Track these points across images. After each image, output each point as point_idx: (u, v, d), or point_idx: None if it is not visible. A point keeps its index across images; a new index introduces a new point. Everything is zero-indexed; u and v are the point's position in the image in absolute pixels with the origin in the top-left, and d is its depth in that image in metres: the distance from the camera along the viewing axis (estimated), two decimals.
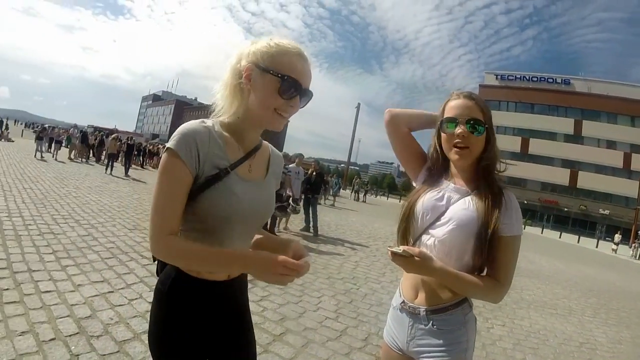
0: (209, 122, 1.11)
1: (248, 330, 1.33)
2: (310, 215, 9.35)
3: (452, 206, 1.32)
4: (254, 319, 3.45)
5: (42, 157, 17.27)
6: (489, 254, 1.26)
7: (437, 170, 1.45)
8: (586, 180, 49.44)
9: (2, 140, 23.68)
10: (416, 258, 1.21)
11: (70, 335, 2.75)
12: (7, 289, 3.32)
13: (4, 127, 28.37)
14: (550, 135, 51.76)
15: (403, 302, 1.41)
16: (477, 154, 1.33)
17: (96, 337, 2.79)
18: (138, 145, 24.34)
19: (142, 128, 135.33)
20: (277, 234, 8.14)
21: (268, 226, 7.97)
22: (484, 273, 1.33)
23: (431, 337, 1.32)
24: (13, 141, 24.81)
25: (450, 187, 1.37)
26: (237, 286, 1.24)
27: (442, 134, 1.36)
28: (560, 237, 29.17)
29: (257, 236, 1.30)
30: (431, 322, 1.31)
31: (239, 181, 1.11)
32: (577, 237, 28.97)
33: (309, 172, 9.86)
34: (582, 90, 50.81)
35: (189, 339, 1.13)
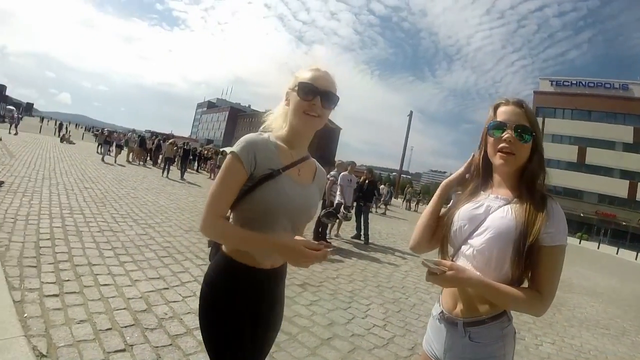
0: (265, 134, 1.40)
1: (281, 313, 1.53)
2: (362, 223, 9.32)
3: (491, 215, 1.30)
4: (303, 322, 3.59)
5: (104, 160, 17.87)
6: (531, 264, 1.23)
7: (478, 180, 1.44)
8: None
9: (65, 142, 25.13)
10: (449, 272, 1.20)
11: (125, 327, 2.88)
12: (67, 280, 3.52)
13: (64, 130, 30.24)
14: (609, 145, 48.59)
15: (442, 312, 1.39)
16: (522, 161, 1.31)
17: (150, 329, 2.91)
18: (193, 150, 25.05)
19: (196, 134, 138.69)
20: (328, 240, 8.19)
21: (319, 232, 8.10)
22: (526, 285, 1.29)
23: (467, 349, 1.29)
24: (74, 143, 26.33)
25: (490, 197, 1.35)
26: (278, 275, 1.43)
27: (489, 138, 1.35)
28: (617, 253, 27.41)
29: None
30: (468, 334, 1.29)
31: (288, 181, 1.34)
32: (635, 253, 27.15)
33: (361, 180, 9.83)
34: None
35: (233, 319, 1.33)
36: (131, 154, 20.96)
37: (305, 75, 1.37)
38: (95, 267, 3.99)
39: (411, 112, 47.66)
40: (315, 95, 1.34)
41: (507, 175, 1.34)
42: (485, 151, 1.38)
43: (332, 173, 8.65)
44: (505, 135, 1.28)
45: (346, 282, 5.36)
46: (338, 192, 8.39)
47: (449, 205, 1.48)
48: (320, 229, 8.19)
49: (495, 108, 1.37)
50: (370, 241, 9.16)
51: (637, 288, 11.06)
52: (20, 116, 31.36)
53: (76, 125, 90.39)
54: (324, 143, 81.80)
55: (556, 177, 50.22)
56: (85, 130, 50.24)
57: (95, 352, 2.50)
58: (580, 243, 31.96)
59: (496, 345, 1.27)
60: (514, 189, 1.33)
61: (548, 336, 4.77)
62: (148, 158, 22.49)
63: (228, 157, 1.30)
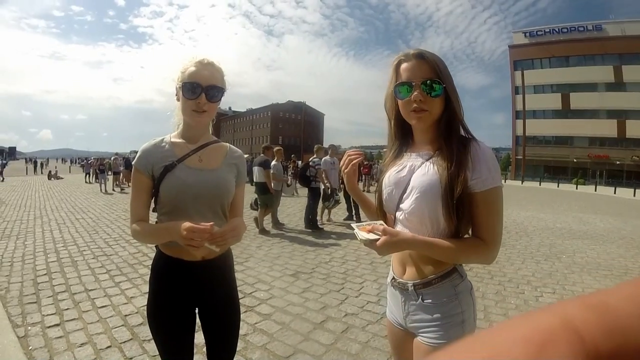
0: (159, 138, 1.55)
1: (230, 302, 1.63)
2: (352, 203, 9.44)
3: (414, 174, 1.27)
4: (296, 310, 3.73)
5: (105, 190, 17.47)
6: (467, 213, 1.20)
7: (398, 142, 1.41)
8: (635, 129, 46.18)
9: (52, 179, 25.16)
10: (382, 237, 1.18)
11: (124, 342, 3.05)
12: (67, 309, 3.68)
13: (42, 167, 30.30)
14: (591, 87, 48.32)
15: (393, 278, 1.38)
16: (437, 114, 1.25)
17: (147, 341, 3.05)
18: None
19: None
20: (320, 226, 8.43)
21: (310, 219, 8.27)
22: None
23: (423, 312, 1.28)
24: (62, 178, 26.35)
25: (412, 156, 1.33)
26: (214, 266, 1.53)
27: (399, 101, 1.29)
28: (615, 193, 27.48)
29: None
30: (420, 296, 1.27)
31: (186, 169, 1.47)
32: (632, 190, 27.24)
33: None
34: (616, 33, 47.15)
35: (171, 307, 1.49)
36: (116, 181, 20.19)
37: (188, 71, 1.45)
38: (91, 292, 4.14)
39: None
40: (200, 93, 1.43)
41: (424, 131, 1.31)
42: (398, 111, 1.33)
43: (313, 159, 8.77)
44: (414, 93, 1.22)
45: (339, 265, 5.47)
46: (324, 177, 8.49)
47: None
48: (310, 217, 8.34)
49: (397, 66, 1.30)
50: (362, 220, 9.21)
51: (637, 225, 11.12)
52: (5, 162, 31.34)
53: (62, 160, 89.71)
54: (309, 131, 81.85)
55: (544, 127, 50.67)
56: (70, 162, 50.08)
57: None
58: (577, 188, 32.29)
59: (451, 304, 1.24)
60: (433, 143, 1.29)
61: (548, 286, 4.79)
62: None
63: (132, 169, 1.49)
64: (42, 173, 33.81)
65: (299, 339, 3.20)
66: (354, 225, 1.28)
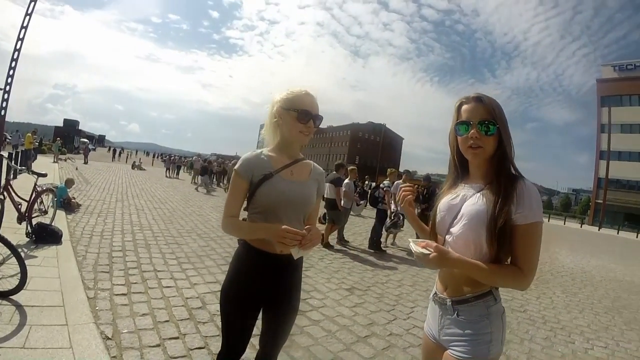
0: (259, 150, 1.78)
1: (290, 305, 1.80)
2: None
3: (465, 203, 1.44)
4: (344, 321, 3.85)
5: (203, 189, 18.50)
6: (508, 244, 1.32)
7: (456, 174, 1.57)
8: None
9: (136, 169, 27.22)
10: (433, 253, 1.31)
11: (181, 320, 3.28)
12: (135, 283, 4.03)
13: (129, 156, 32.70)
14: None
15: (435, 293, 1.54)
16: (490, 152, 1.41)
17: (202, 323, 3.27)
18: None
19: None
20: (383, 248, 8.42)
21: (374, 240, 8.30)
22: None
23: (457, 327, 1.41)
24: (145, 170, 28.46)
25: (466, 187, 1.49)
26: (289, 264, 1.70)
27: (458, 138, 1.47)
28: None
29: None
30: (456, 312, 1.41)
31: (281, 180, 1.69)
32: None
33: (420, 188, 9.70)
34: None
35: (247, 291, 1.70)
36: (197, 176, 21.72)
37: (300, 100, 1.70)
38: (159, 273, 4.48)
39: None
40: (310, 119, 1.69)
41: (478, 165, 1.47)
42: (458, 146, 1.49)
43: (385, 183, 8.78)
44: (471, 132, 1.39)
45: (394, 287, 5.46)
46: (392, 202, 8.42)
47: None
48: (374, 238, 8.34)
49: (459, 108, 1.48)
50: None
51: None
52: (93, 148, 34.32)
53: (146, 152, 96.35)
54: (386, 153, 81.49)
55: (629, 170, 46.27)
56: (154, 157, 53.93)
57: (153, 337, 2.90)
58: None
59: (482, 323, 1.37)
60: (486, 177, 1.44)
61: (601, 340, 4.50)
62: (214, 180, 22.49)
63: (233, 173, 1.72)
64: (119, 161, 37.02)
65: (340, 347, 3.26)
66: (411, 240, 1.42)
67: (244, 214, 1.76)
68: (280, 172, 1.70)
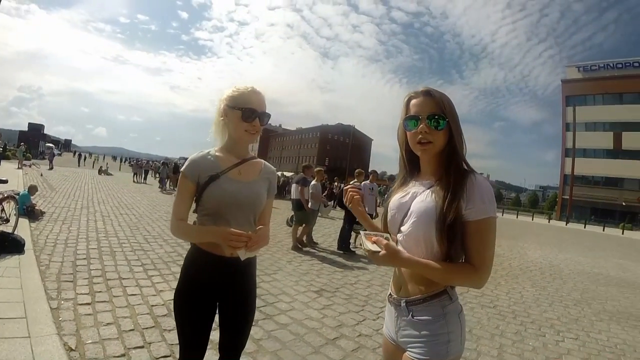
0: (206, 150, 1.74)
1: (247, 305, 1.81)
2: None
3: (414, 201, 1.40)
4: (312, 324, 3.88)
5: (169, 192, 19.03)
6: (459, 241, 1.30)
7: (405, 171, 1.55)
8: None
9: (102, 174, 26.51)
10: (382, 252, 1.28)
11: (146, 328, 3.26)
12: (99, 292, 3.97)
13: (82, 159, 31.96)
14: None
15: (390, 294, 1.50)
16: (440, 147, 1.38)
17: (168, 330, 3.25)
18: None
19: None
20: (352, 249, 8.54)
21: (342, 242, 8.40)
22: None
23: (412, 328, 1.37)
24: (112, 175, 27.71)
25: (416, 184, 1.46)
26: (240, 266, 1.69)
27: (407, 133, 1.43)
28: None
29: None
30: (411, 313, 1.37)
31: (228, 181, 1.68)
32: None
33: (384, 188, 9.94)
34: None
35: (198, 295, 1.68)
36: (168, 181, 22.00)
37: (244, 97, 1.68)
38: (125, 281, 4.42)
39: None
40: (255, 118, 1.68)
41: (428, 161, 1.43)
42: (407, 142, 1.45)
43: (354, 183, 8.81)
44: (420, 126, 1.36)
45: (363, 288, 5.52)
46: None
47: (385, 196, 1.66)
48: (343, 239, 8.46)
49: (407, 102, 1.44)
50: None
51: None
52: (59, 152, 33.42)
53: (113, 157, 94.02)
54: (356, 154, 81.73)
55: (594, 167, 48.42)
56: (121, 161, 52.74)
57: (118, 347, 2.87)
58: (623, 234, 30.56)
59: (438, 323, 1.32)
60: (435, 173, 1.40)
61: (572, 332, 4.63)
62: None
63: (180, 175, 1.70)
64: (84, 166, 36.05)
65: (309, 351, 3.28)
66: (362, 232, 1.39)
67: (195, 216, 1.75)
68: (227, 172, 1.69)
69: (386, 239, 1.33)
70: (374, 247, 1.29)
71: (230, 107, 1.68)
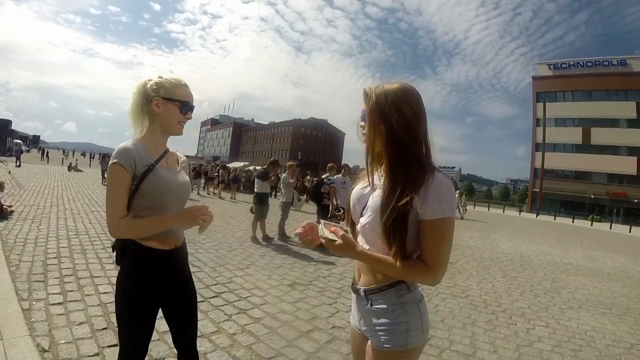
0: (131, 140, 1.65)
1: (191, 292, 1.84)
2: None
3: (373, 194, 1.37)
4: (285, 317, 3.92)
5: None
6: (403, 239, 1.26)
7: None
8: None
9: (72, 171, 25.88)
10: (338, 241, 1.30)
11: None
12: (71, 291, 3.91)
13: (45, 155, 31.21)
14: (612, 122, 47.86)
15: (352, 283, 1.50)
16: (378, 146, 1.36)
17: None
18: (205, 170, 23.25)
19: (203, 152, 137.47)
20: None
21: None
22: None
23: (373, 316, 1.37)
24: (82, 171, 27.08)
25: (377, 175, 1.41)
26: (181, 254, 1.77)
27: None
28: (630, 232, 26.77)
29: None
30: (369, 302, 1.37)
31: (163, 170, 1.66)
32: None
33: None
34: None
35: (142, 295, 1.63)
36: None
37: (181, 90, 1.70)
38: (96, 279, 4.36)
39: None
40: (190, 111, 1.73)
41: (379, 157, 1.39)
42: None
43: (328, 177, 8.95)
44: (361, 123, 1.42)
45: (336, 280, 5.58)
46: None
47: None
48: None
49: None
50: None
51: None
52: (27, 149, 32.45)
53: (82, 153, 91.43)
54: (329, 149, 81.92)
55: (563, 161, 50.04)
56: (91, 157, 51.40)
57: (91, 347, 2.86)
58: (592, 225, 31.64)
59: (396, 312, 1.33)
60: (385, 170, 1.36)
61: (542, 319, 4.75)
62: None
63: (111, 166, 1.56)
64: (47, 162, 35.21)
65: (283, 344, 3.31)
66: (322, 221, 1.40)
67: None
68: (159, 162, 1.67)
69: (345, 231, 1.36)
70: (332, 236, 1.31)
71: (166, 98, 1.66)
